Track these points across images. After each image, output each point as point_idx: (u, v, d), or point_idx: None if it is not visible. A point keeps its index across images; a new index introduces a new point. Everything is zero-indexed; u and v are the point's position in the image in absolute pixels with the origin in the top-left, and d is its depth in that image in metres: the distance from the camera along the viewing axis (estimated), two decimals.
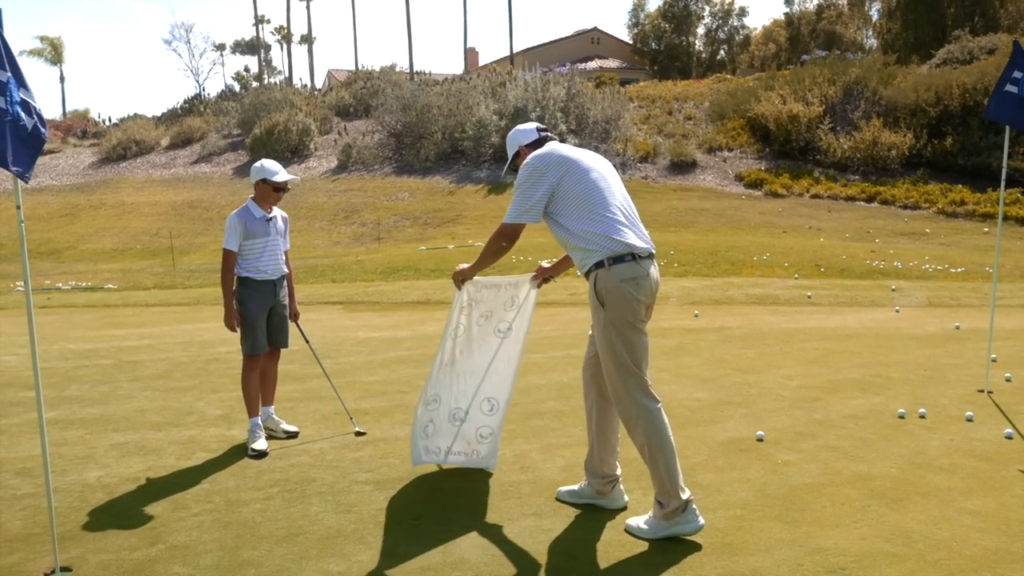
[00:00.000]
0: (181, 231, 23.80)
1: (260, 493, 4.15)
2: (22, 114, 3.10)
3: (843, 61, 29.07)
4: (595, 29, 54.58)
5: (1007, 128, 5.95)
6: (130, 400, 6.11)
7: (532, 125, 3.99)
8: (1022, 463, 4.49)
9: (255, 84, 50.55)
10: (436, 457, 4.31)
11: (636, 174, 25.27)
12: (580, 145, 25.67)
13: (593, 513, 3.85)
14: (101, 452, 4.85)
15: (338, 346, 8.23)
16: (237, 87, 51.92)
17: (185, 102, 43.08)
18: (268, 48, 63.45)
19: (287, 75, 56.74)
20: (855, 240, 18.72)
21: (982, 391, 6.10)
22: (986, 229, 19.90)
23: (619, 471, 3.91)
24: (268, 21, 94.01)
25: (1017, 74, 5.62)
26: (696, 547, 3.46)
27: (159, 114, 41.57)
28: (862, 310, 10.77)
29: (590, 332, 3.82)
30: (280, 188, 4.94)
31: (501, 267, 15.19)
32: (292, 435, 5.08)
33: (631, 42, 53.86)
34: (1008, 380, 6.43)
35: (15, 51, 3.12)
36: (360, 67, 44.95)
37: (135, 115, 41.57)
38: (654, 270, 3.63)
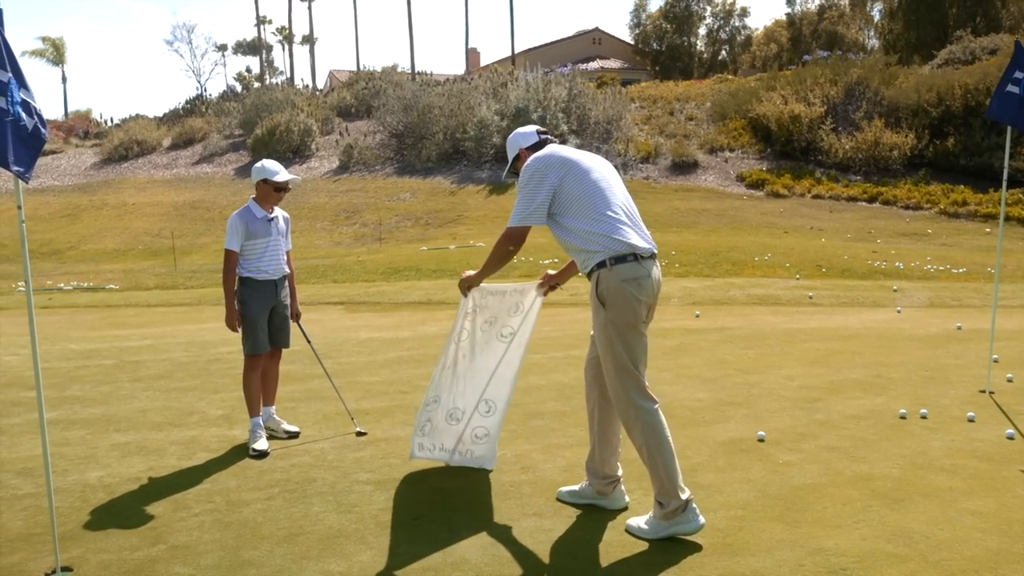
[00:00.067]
0: (183, 231, 23.83)
1: (261, 493, 4.15)
2: (23, 114, 3.11)
3: (845, 61, 29.06)
4: (596, 29, 54.59)
5: (1008, 128, 5.94)
6: (131, 400, 6.11)
7: (532, 128, 4.00)
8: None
9: (257, 85, 50.60)
10: (430, 453, 4.33)
11: (637, 174, 25.27)
12: (581, 146, 25.79)
13: (594, 513, 3.85)
14: (102, 452, 4.85)
15: (339, 346, 8.23)
16: (239, 88, 51.97)
17: (187, 103, 43.16)
18: (270, 49, 63.54)
19: (289, 75, 56.82)
20: (857, 240, 18.71)
21: (984, 392, 6.09)
22: (988, 230, 19.89)
23: (620, 472, 3.91)
24: (270, 22, 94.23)
25: (1019, 74, 5.61)
26: (697, 547, 3.46)
27: (161, 115, 41.65)
28: (864, 310, 10.76)
29: (592, 333, 3.82)
30: (281, 188, 4.95)
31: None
32: (293, 435, 5.09)
33: (633, 42, 53.87)
34: (1010, 381, 6.42)
35: (17, 51, 3.13)
36: (362, 67, 45.00)
37: (137, 116, 41.64)
38: (656, 270, 3.63)
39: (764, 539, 3.52)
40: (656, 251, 3.65)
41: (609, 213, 3.58)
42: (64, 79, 61.10)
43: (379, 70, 39.59)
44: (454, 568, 3.31)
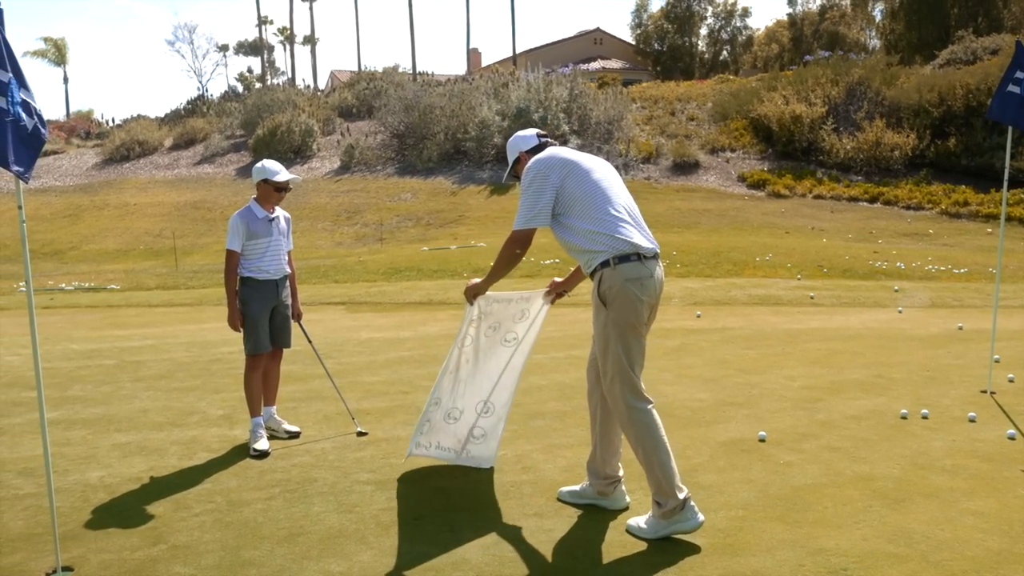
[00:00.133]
0: (184, 232, 23.84)
1: (262, 493, 4.16)
2: (23, 114, 3.11)
3: (846, 62, 29.04)
4: (598, 30, 54.58)
5: (1009, 129, 5.93)
6: (132, 400, 6.11)
7: (532, 131, 4.01)
8: None
9: (258, 85, 50.65)
10: (426, 451, 4.34)
11: (639, 175, 25.27)
12: (583, 146, 25.81)
13: (595, 514, 3.85)
14: (103, 452, 4.85)
15: (340, 346, 8.23)
16: (240, 88, 52.03)
17: (188, 103, 43.18)
18: (271, 49, 63.57)
19: (290, 76, 56.85)
20: (858, 241, 18.70)
21: (985, 392, 6.09)
22: (989, 230, 19.88)
23: (621, 472, 3.91)
24: (271, 22, 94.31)
25: (1020, 74, 5.61)
26: (697, 547, 3.46)
27: (162, 115, 41.69)
28: (865, 311, 10.76)
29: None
30: (282, 188, 4.95)
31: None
32: (294, 435, 5.09)
33: (634, 43, 53.86)
34: (1011, 381, 6.42)
35: (18, 52, 3.13)
36: (363, 68, 45.04)
37: (138, 116, 41.70)
38: (659, 270, 3.63)
39: (765, 539, 3.52)
40: (659, 251, 3.65)
41: (612, 212, 3.59)
42: (66, 79, 61.15)
43: (380, 70, 39.60)
44: (455, 568, 3.31)
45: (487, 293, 4.17)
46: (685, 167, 25.98)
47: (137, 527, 3.75)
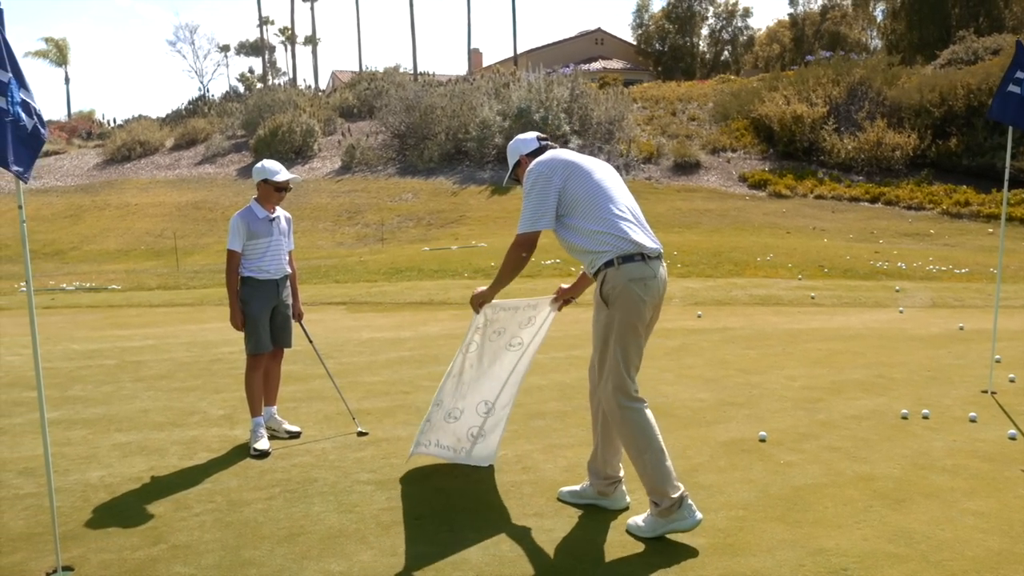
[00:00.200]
0: (185, 232, 23.86)
1: (262, 493, 4.16)
2: (22, 114, 3.11)
3: (847, 62, 29.04)
4: (599, 30, 54.58)
5: (1010, 129, 5.93)
6: (133, 400, 6.12)
7: (532, 134, 4.01)
8: None
9: (259, 85, 50.65)
10: (425, 449, 4.34)
11: (640, 175, 25.27)
12: (584, 146, 25.79)
13: (595, 514, 3.85)
14: (104, 452, 4.86)
15: (341, 346, 8.23)
16: (241, 88, 52.05)
17: (189, 103, 43.24)
18: (272, 49, 63.56)
19: (291, 76, 56.87)
20: (859, 241, 18.69)
21: (986, 392, 6.08)
22: (991, 230, 19.87)
23: (622, 472, 3.91)
24: (272, 22, 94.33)
25: (1020, 74, 5.60)
26: (698, 547, 3.45)
27: (163, 115, 41.73)
28: (866, 311, 10.75)
29: None
30: (282, 188, 4.96)
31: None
32: (294, 435, 5.09)
33: (635, 43, 53.84)
34: (1012, 381, 6.41)
35: (20, 52, 3.14)
36: (364, 68, 45.05)
37: (140, 116, 41.72)
38: (662, 270, 3.63)
39: (765, 539, 3.52)
40: (662, 251, 3.65)
41: (616, 212, 3.59)
42: (67, 80, 61.31)
43: (381, 71, 39.63)
44: (455, 568, 3.31)
45: (494, 301, 4.12)
46: (686, 167, 25.98)
47: (137, 527, 3.75)
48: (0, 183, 29.00)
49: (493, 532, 3.65)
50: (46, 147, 33.34)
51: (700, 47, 55.30)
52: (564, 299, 4.24)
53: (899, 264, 15.12)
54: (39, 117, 3.20)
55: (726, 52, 56.56)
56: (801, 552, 3.39)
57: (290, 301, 5.15)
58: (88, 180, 30.98)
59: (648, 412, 3.58)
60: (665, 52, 52.29)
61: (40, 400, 3.42)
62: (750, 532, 3.59)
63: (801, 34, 52.79)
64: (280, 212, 5.08)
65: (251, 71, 64.84)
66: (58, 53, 57.03)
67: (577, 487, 4.01)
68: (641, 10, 54.19)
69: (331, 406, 5.73)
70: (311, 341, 5.35)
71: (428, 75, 41.93)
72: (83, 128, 42.81)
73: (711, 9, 54.86)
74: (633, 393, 3.57)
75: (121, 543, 3.58)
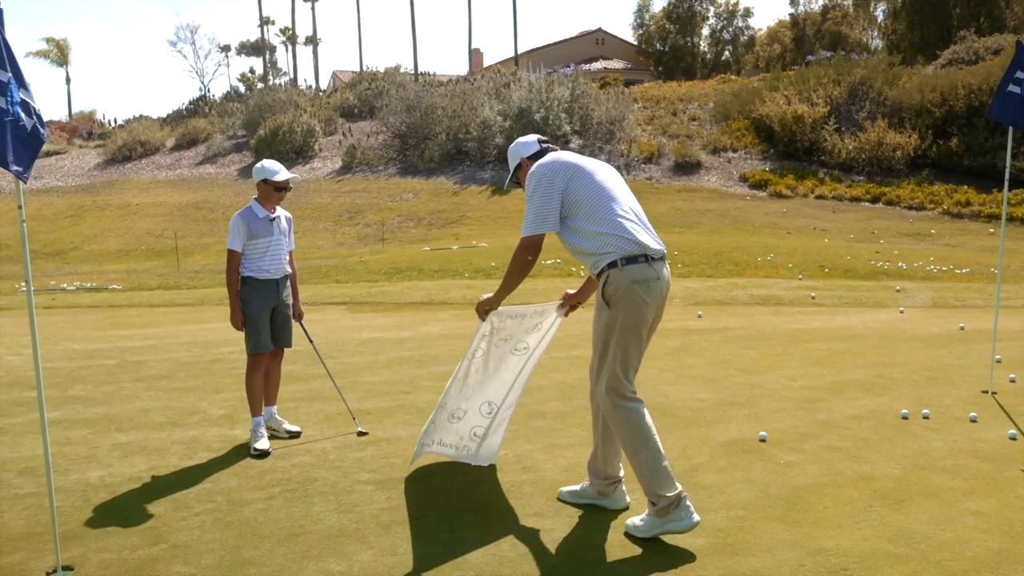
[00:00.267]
0: (186, 232, 23.87)
1: (262, 493, 4.16)
2: (22, 114, 3.11)
3: (848, 62, 29.02)
4: (600, 30, 54.58)
5: (1010, 129, 5.92)
6: (133, 400, 6.12)
7: (533, 137, 3.99)
8: None
9: (260, 85, 50.67)
10: (428, 448, 4.33)
11: (640, 175, 25.26)
12: (584, 146, 25.76)
13: (595, 513, 3.84)
14: (104, 452, 4.86)
15: (341, 346, 8.23)
16: (242, 88, 52.06)
17: (190, 103, 43.25)
18: (273, 49, 63.60)
19: (292, 76, 56.92)
20: (860, 241, 18.68)
21: (986, 392, 6.08)
22: (991, 230, 19.86)
23: (622, 472, 3.90)
24: (273, 22, 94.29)
25: (1020, 74, 5.60)
26: (697, 547, 3.45)
27: (164, 115, 41.73)
28: (866, 311, 10.75)
29: None
30: (281, 187, 4.96)
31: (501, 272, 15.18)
32: (294, 435, 5.09)
33: (636, 43, 53.84)
34: (1012, 381, 6.41)
35: (21, 52, 3.14)
36: (365, 68, 45.06)
37: (140, 116, 41.72)
38: (666, 272, 3.62)
39: (765, 539, 3.52)
40: (665, 252, 3.64)
41: (619, 213, 3.58)
42: (68, 80, 61.35)
43: (382, 71, 39.65)
44: (455, 568, 3.31)
45: (500, 309, 4.07)
46: (687, 167, 25.97)
47: (137, 526, 3.75)
48: (1, 183, 29.01)
49: (493, 532, 3.65)
50: (47, 147, 33.41)
51: (701, 47, 55.31)
52: (571, 304, 4.20)
53: (900, 264, 15.11)
54: (38, 117, 3.21)
55: (727, 52, 56.55)
56: (801, 552, 3.39)
57: (290, 301, 5.16)
58: (89, 180, 30.99)
59: (644, 412, 3.57)
60: (666, 52, 52.28)
61: (40, 400, 3.42)
62: (750, 532, 3.59)
63: (802, 34, 52.78)
64: (281, 212, 5.09)
65: (252, 71, 64.95)
66: (59, 53, 57.08)
67: (577, 487, 4.00)
68: (642, 10, 54.21)
69: (331, 406, 5.73)
70: (311, 341, 5.35)
71: (429, 75, 41.93)
72: (84, 128, 42.83)
73: (712, 9, 54.88)
74: (628, 393, 3.56)
75: (121, 543, 3.58)
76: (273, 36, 66.94)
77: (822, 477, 4.26)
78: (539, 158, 3.83)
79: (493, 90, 29.93)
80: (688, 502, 3.48)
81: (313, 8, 56.77)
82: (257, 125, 31.38)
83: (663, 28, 52.56)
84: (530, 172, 3.73)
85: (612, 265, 3.51)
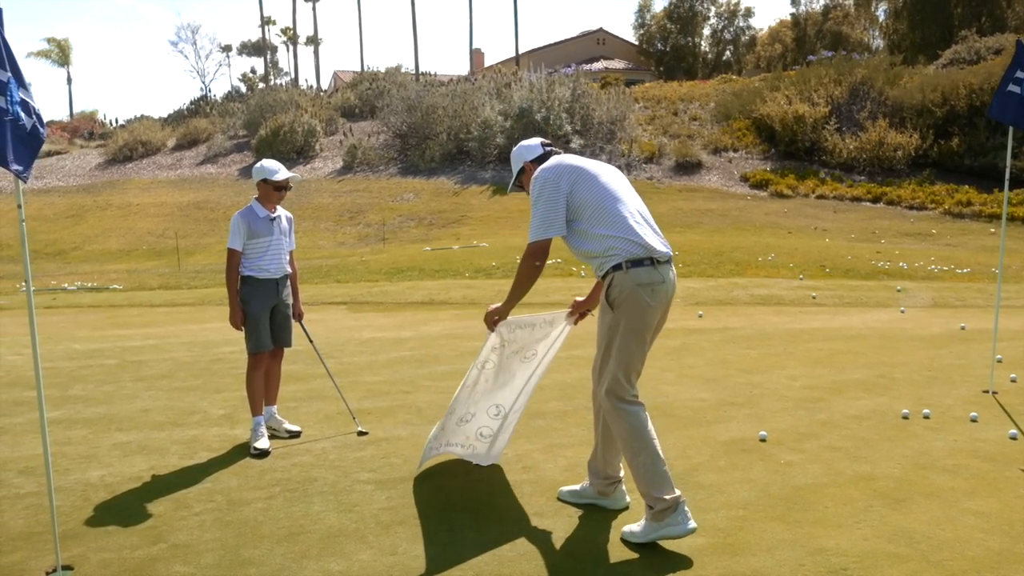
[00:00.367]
0: (187, 232, 23.87)
1: (262, 492, 4.16)
2: (21, 114, 3.12)
3: (849, 62, 29.02)
4: (601, 30, 54.58)
5: (1011, 128, 5.92)
6: (134, 400, 6.12)
7: (536, 141, 3.95)
8: None
9: (261, 85, 50.66)
10: (436, 451, 4.32)
11: (641, 175, 25.26)
12: (585, 146, 25.75)
13: (594, 513, 3.84)
14: (104, 451, 4.86)
15: (342, 346, 8.24)
16: (243, 88, 52.05)
17: (191, 103, 43.27)
18: (274, 49, 63.61)
19: (293, 76, 56.93)
20: (860, 241, 18.68)
21: (987, 392, 6.07)
22: (992, 230, 19.85)
23: (622, 473, 3.90)
24: (274, 22, 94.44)
25: (1020, 74, 5.60)
26: (697, 547, 3.45)
27: (165, 115, 41.75)
28: (867, 311, 10.74)
29: None
30: (281, 187, 4.96)
31: (502, 272, 15.19)
32: (295, 435, 5.09)
33: (637, 43, 53.83)
34: (1013, 381, 6.40)
35: (22, 53, 3.15)
36: (366, 68, 45.05)
37: (141, 116, 41.75)
38: (671, 274, 3.59)
39: (765, 539, 3.52)
40: (671, 255, 3.61)
41: (625, 215, 3.55)
42: (69, 80, 61.43)
43: (383, 71, 39.64)
44: (455, 568, 3.31)
45: (509, 319, 4.03)
46: (688, 167, 25.96)
47: (137, 526, 3.75)
48: (2, 183, 29.03)
49: (493, 532, 3.65)
50: (48, 147, 33.43)
51: (702, 47, 55.29)
52: (580, 312, 4.15)
53: (901, 264, 15.10)
54: (38, 116, 3.21)
55: (728, 52, 56.53)
56: (801, 552, 3.39)
57: (290, 301, 5.16)
58: (90, 180, 31.00)
59: (644, 415, 3.55)
60: (667, 52, 52.27)
61: (40, 399, 3.42)
62: (750, 532, 3.59)
63: (803, 34, 52.76)
64: (281, 212, 5.09)
65: (253, 71, 64.93)
66: (60, 53, 57.14)
67: (577, 487, 4.00)
68: (643, 10, 54.20)
69: (331, 406, 5.73)
70: (311, 341, 5.35)
71: (430, 75, 41.94)
72: (85, 128, 42.86)
73: (713, 9, 54.86)
74: (628, 396, 3.54)
75: (121, 542, 3.58)
76: (274, 36, 67.00)
77: (822, 477, 4.26)
78: (543, 162, 3.80)
79: (494, 90, 29.93)
80: (686, 508, 3.45)
81: (314, 8, 56.77)
82: (258, 125, 31.39)
83: (664, 28, 52.55)
84: (534, 177, 3.70)
85: (617, 268, 3.48)
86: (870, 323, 9.56)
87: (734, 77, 39.30)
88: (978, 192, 22.38)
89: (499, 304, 3.97)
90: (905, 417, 5.37)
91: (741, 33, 56.22)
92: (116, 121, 45.12)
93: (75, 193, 29.37)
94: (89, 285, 16.30)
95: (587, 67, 40.44)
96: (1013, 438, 4.92)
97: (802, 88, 27.36)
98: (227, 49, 64.41)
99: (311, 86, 46.85)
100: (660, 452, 3.52)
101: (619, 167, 24.73)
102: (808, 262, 15.17)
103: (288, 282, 5.14)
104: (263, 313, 4.94)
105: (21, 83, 3.13)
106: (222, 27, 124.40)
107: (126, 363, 7.54)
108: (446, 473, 4.41)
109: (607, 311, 3.55)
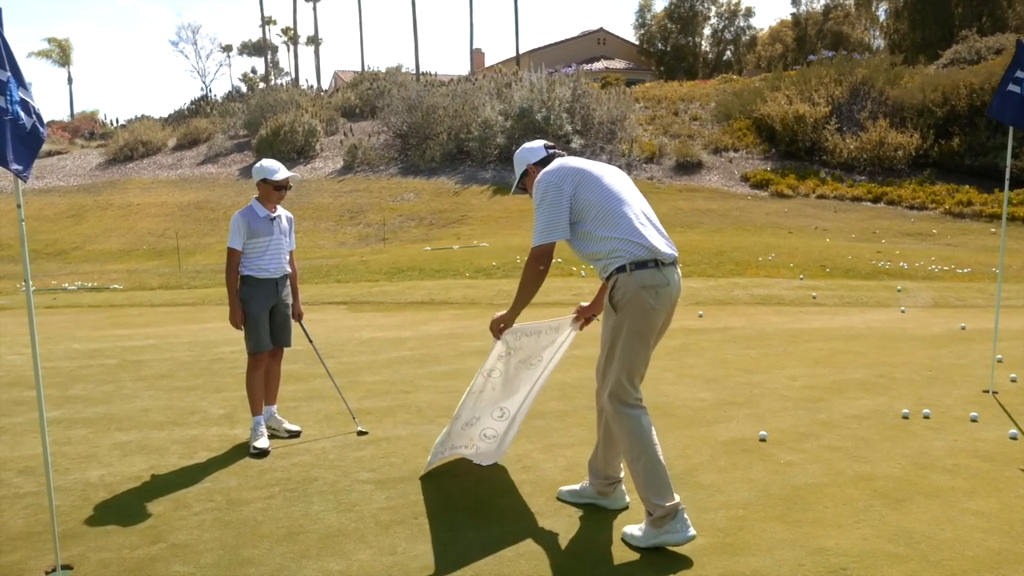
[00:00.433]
0: (187, 232, 23.88)
1: (261, 492, 4.16)
2: (21, 113, 3.12)
3: (849, 61, 29.01)
4: (601, 30, 54.57)
5: (1011, 128, 5.91)
6: (134, 399, 6.12)
7: (539, 143, 3.92)
8: None
9: (261, 85, 50.67)
10: (441, 455, 4.32)
11: (642, 175, 25.25)
12: (585, 146, 25.75)
13: (594, 513, 3.84)
14: (104, 451, 4.86)
15: (342, 346, 8.23)
16: (243, 88, 52.05)
17: (192, 103, 43.24)
18: (275, 49, 63.65)
19: (293, 76, 56.95)
20: (861, 240, 18.67)
21: (987, 392, 6.07)
22: (993, 230, 19.84)
23: (622, 473, 3.89)
24: (275, 22, 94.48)
25: (1020, 74, 5.59)
26: (697, 547, 3.45)
27: (166, 115, 41.74)
28: (867, 310, 10.74)
29: None
30: (281, 186, 4.96)
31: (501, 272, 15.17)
32: (294, 434, 5.09)
33: (637, 43, 53.83)
34: (1013, 381, 6.40)
35: (23, 52, 3.15)
36: (366, 68, 45.04)
37: (142, 116, 41.75)
38: (676, 276, 3.57)
39: (765, 539, 3.51)
40: (677, 256, 3.58)
41: (629, 216, 3.53)
42: (70, 80, 61.45)
43: (383, 71, 39.64)
44: (454, 567, 3.31)
45: (515, 327, 4.01)
46: (688, 167, 25.96)
47: (137, 526, 3.75)
48: (2, 183, 29.04)
49: (493, 532, 3.65)
50: (48, 147, 33.44)
51: (702, 47, 55.30)
52: (586, 317, 4.13)
53: (901, 264, 15.10)
54: (38, 116, 3.21)
55: (728, 52, 56.53)
56: (801, 552, 3.38)
57: (290, 300, 5.16)
58: (90, 180, 31.01)
59: (646, 419, 3.52)
60: (667, 52, 52.27)
61: (39, 399, 3.42)
62: (750, 532, 3.59)
63: (803, 34, 52.76)
64: (282, 211, 5.09)
65: (253, 71, 64.88)
66: (61, 53, 57.18)
67: (577, 486, 4.00)
68: (643, 10, 54.19)
69: (331, 405, 5.73)
70: (311, 341, 5.35)
71: (430, 75, 41.93)
72: (85, 128, 42.89)
73: (713, 9, 54.86)
74: (631, 399, 3.52)
75: (120, 542, 3.58)
76: (275, 36, 67.04)
77: (822, 477, 4.26)
78: (546, 164, 3.77)
79: (494, 90, 29.92)
80: (685, 515, 3.41)
81: (315, 8, 56.82)
82: (259, 125, 31.38)
83: (665, 28, 52.54)
84: (537, 180, 3.68)
85: (621, 270, 3.46)
86: (870, 323, 9.56)
87: (735, 77, 39.29)
88: (978, 192, 22.37)
89: (504, 311, 3.94)
90: (905, 417, 5.37)
91: (742, 33, 56.22)
92: (117, 121, 45.16)
93: (75, 193, 29.37)
94: (89, 285, 16.30)
95: (587, 67, 40.42)
96: (1013, 438, 4.91)
97: (803, 88, 27.36)
98: (227, 49, 64.55)
99: (311, 86, 46.86)
100: (661, 458, 3.50)
101: (620, 167, 24.56)
102: (808, 262, 15.16)
103: (288, 282, 5.14)
104: (263, 313, 4.95)
105: (21, 83, 3.13)
106: (223, 27, 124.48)
107: (126, 363, 7.54)
108: (446, 473, 4.41)
109: (611, 313, 3.53)
